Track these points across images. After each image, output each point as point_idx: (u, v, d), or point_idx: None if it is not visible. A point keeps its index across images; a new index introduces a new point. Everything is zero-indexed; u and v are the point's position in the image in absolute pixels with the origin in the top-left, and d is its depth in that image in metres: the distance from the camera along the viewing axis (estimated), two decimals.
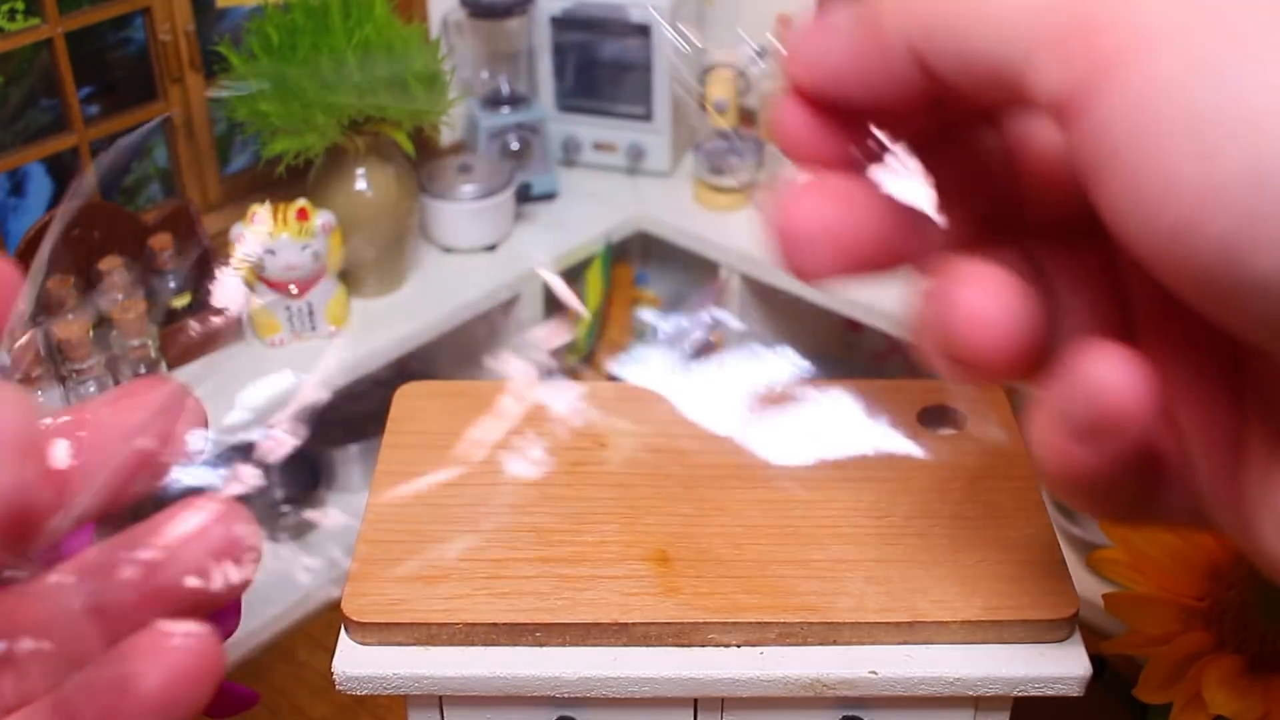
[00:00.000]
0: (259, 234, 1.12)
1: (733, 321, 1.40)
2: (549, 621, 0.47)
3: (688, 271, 1.51)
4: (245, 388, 1.12)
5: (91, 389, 1.07)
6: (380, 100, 1.15)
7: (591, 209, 1.42)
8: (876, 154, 0.33)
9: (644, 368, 0.44)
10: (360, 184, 1.21)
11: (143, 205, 1.25)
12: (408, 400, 0.58)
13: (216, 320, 1.17)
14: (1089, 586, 0.64)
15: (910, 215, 0.32)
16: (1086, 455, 0.27)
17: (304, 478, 1.29)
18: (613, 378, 1.43)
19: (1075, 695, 0.48)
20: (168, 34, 1.19)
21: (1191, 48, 0.23)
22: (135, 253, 1.16)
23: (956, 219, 0.32)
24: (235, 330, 1.20)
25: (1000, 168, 0.33)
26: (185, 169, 1.26)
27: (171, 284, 1.17)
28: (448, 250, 1.34)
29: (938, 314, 0.28)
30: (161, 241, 1.15)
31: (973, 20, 0.26)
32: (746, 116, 1.47)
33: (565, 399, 0.58)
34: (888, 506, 0.52)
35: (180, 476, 0.30)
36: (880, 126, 0.33)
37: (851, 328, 1.57)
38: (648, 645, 0.48)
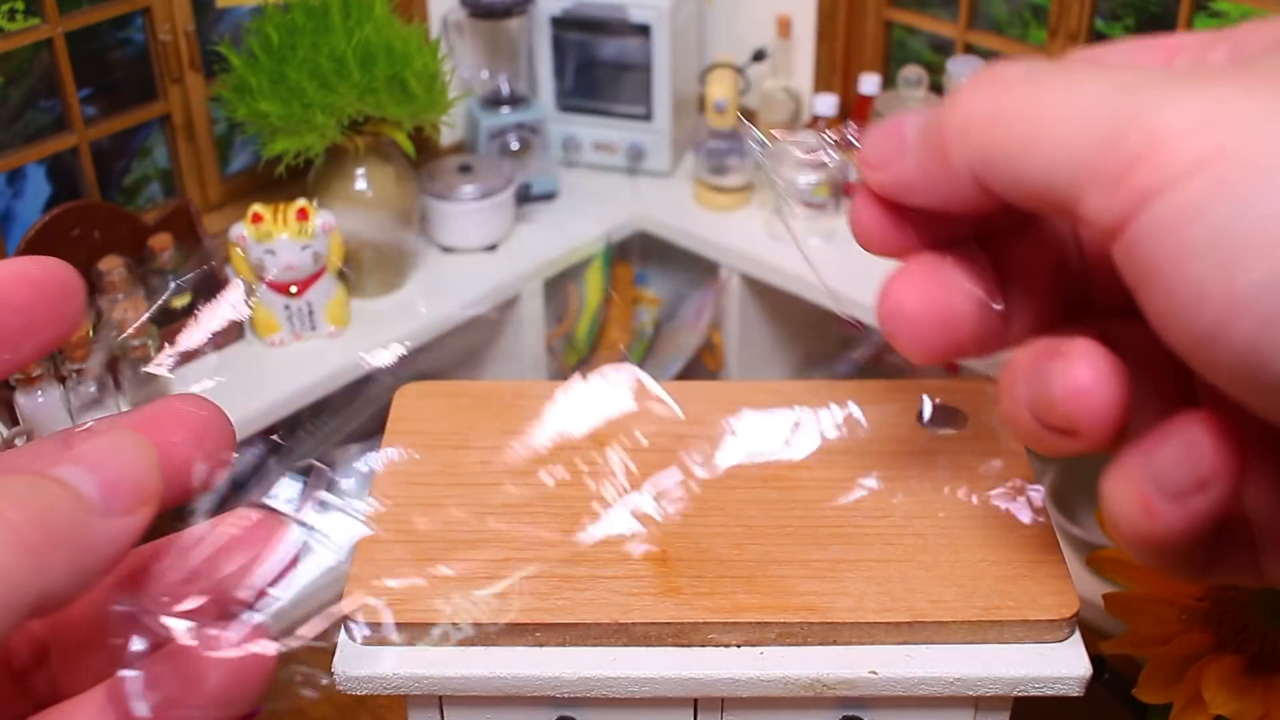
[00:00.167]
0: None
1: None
2: (549, 621, 0.47)
3: (688, 271, 1.51)
4: (247, 391, 1.12)
5: (92, 389, 1.07)
6: (380, 100, 1.15)
7: (591, 209, 1.42)
8: (951, 244, 0.36)
9: None
10: (360, 184, 1.21)
11: (143, 205, 1.25)
12: (408, 400, 0.58)
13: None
14: (1089, 586, 0.64)
15: (1005, 299, 0.35)
16: (1177, 515, 0.29)
17: (304, 478, 1.29)
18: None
19: (1075, 695, 0.48)
20: (168, 34, 1.19)
21: (1217, 177, 0.26)
22: (135, 253, 1.16)
23: (1037, 298, 0.34)
24: (235, 330, 1.20)
25: (1072, 251, 0.36)
26: (185, 169, 1.26)
27: (171, 284, 1.17)
28: (448, 250, 1.34)
29: (1041, 389, 0.31)
30: (161, 241, 1.15)
31: (1027, 155, 0.29)
32: (746, 116, 1.47)
33: (565, 398, 0.58)
34: (888, 506, 0.52)
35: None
36: (954, 221, 0.36)
37: (852, 328, 1.57)
38: (648, 645, 0.48)
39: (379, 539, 0.50)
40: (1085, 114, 0.28)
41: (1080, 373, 0.31)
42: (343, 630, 0.48)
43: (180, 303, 1.18)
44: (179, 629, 0.30)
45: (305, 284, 1.17)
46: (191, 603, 0.31)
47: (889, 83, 1.40)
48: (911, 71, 1.28)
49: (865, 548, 0.50)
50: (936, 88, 1.29)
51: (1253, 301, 0.25)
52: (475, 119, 1.41)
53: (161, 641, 0.30)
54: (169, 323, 1.16)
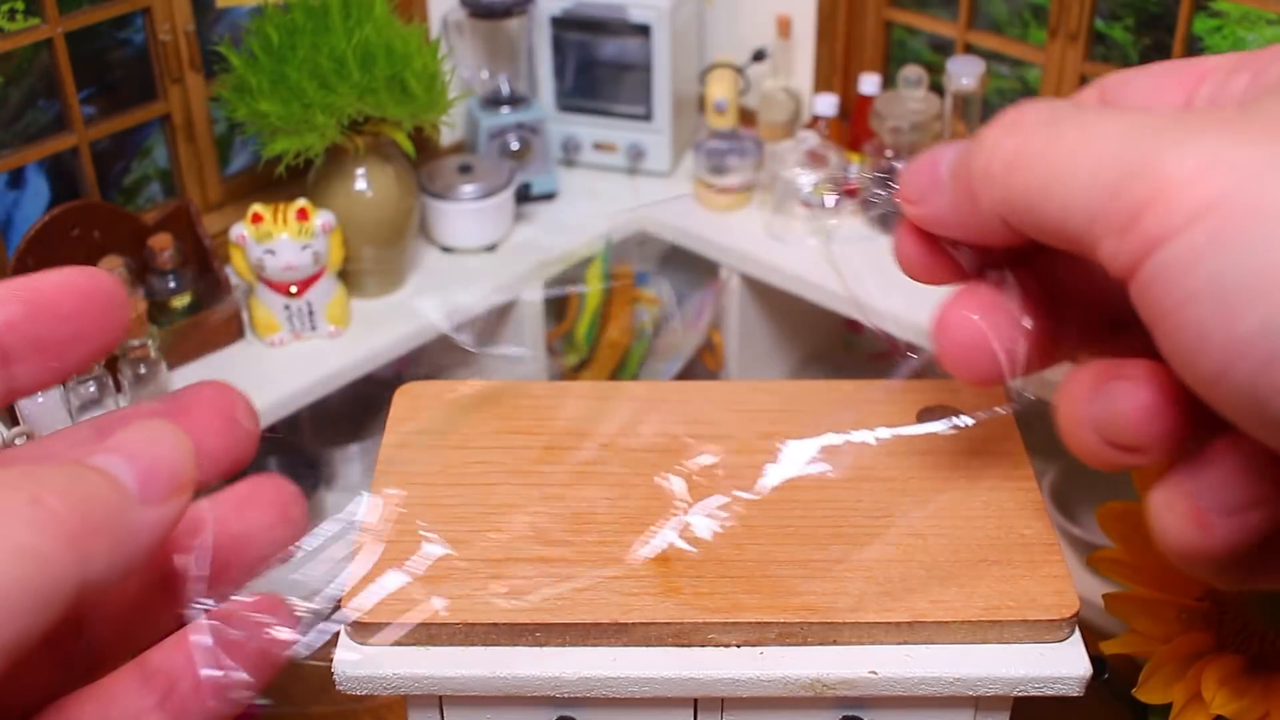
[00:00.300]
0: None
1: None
2: (549, 621, 0.47)
3: (688, 271, 1.51)
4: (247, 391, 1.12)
5: (91, 389, 1.07)
6: (380, 100, 1.15)
7: (591, 209, 1.42)
8: (996, 267, 0.38)
9: None
10: (360, 184, 1.21)
11: (143, 205, 1.25)
12: (408, 400, 0.58)
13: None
14: (1089, 586, 0.64)
15: (1052, 317, 0.37)
16: (1230, 529, 0.31)
17: (304, 478, 1.29)
18: (614, 375, 1.44)
19: (1075, 695, 0.48)
20: (168, 34, 1.19)
21: (1216, 224, 0.27)
22: (135, 253, 1.16)
23: (1085, 314, 0.35)
24: (235, 330, 1.20)
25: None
26: (185, 169, 1.26)
27: (171, 284, 1.17)
28: (448, 250, 1.34)
29: (1107, 409, 0.33)
30: (161, 241, 1.15)
31: (1045, 200, 0.31)
32: (746, 116, 1.47)
33: (565, 399, 0.58)
34: (888, 506, 0.52)
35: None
36: (992, 249, 0.38)
37: (851, 328, 1.57)
38: (648, 645, 0.48)
39: (379, 539, 0.50)
40: (1096, 161, 0.29)
41: (1146, 394, 0.32)
42: (342, 630, 0.48)
43: (180, 303, 1.18)
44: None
45: (305, 284, 1.17)
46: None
47: (889, 83, 1.40)
48: (911, 71, 1.28)
49: (865, 548, 0.50)
50: (936, 88, 1.29)
51: (1251, 345, 0.27)
52: (475, 119, 1.41)
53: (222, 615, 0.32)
54: (170, 322, 1.16)
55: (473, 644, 0.48)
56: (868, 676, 0.47)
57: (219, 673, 0.31)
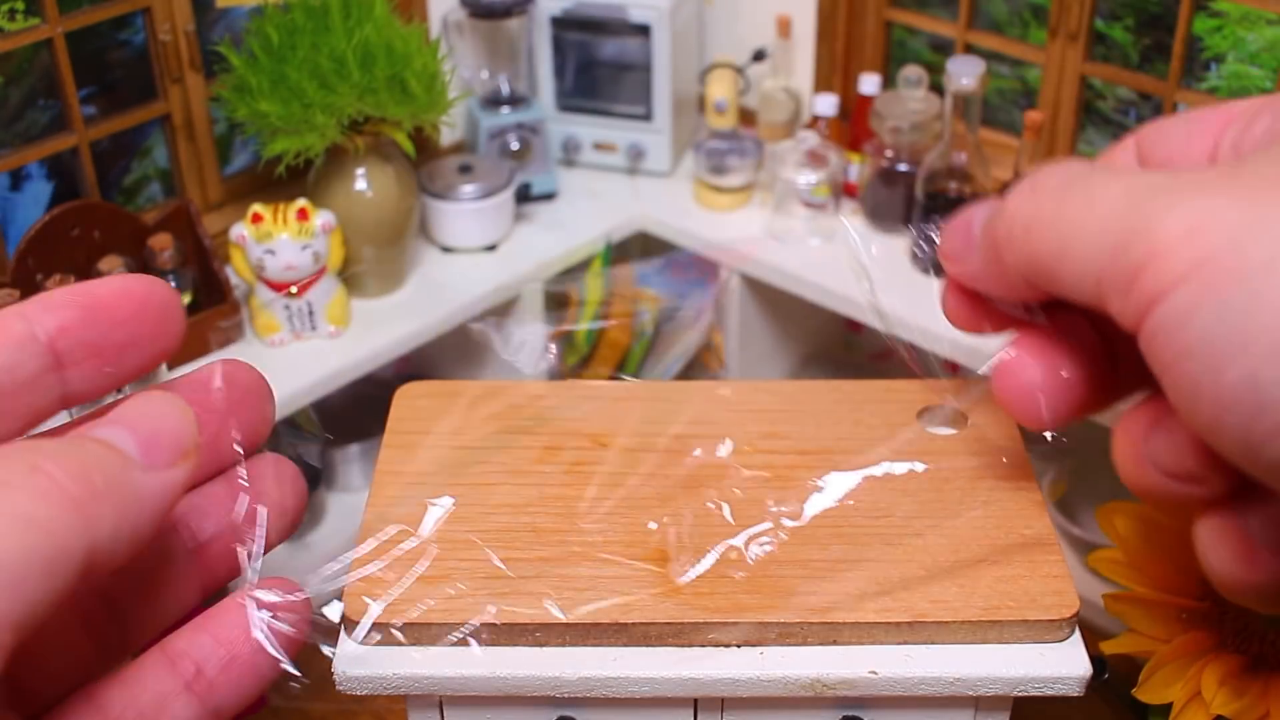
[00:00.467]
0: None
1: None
2: (549, 621, 0.47)
3: (688, 272, 1.51)
4: None
5: None
6: (380, 100, 1.15)
7: (591, 209, 1.42)
8: (1033, 319, 0.40)
9: None
10: (360, 184, 1.21)
11: (143, 205, 1.25)
12: (408, 400, 0.58)
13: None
14: (1089, 586, 0.64)
15: (1108, 359, 0.39)
16: (1277, 563, 0.32)
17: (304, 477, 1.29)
18: (614, 377, 1.44)
19: (1075, 695, 0.48)
20: (168, 34, 1.19)
21: (1201, 284, 0.29)
22: (135, 253, 1.16)
23: (1137, 358, 0.36)
24: (235, 330, 1.20)
25: None
26: (185, 169, 1.26)
27: (171, 284, 1.17)
28: (448, 250, 1.34)
29: (1171, 447, 0.34)
30: (161, 241, 1.15)
31: (1059, 263, 0.33)
32: (746, 116, 1.47)
33: (565, 399, 0.58)
34: (888, 506, 0.52)
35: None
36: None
37: (851, 328, 1.57)
38: (648, 645, 0.48)
39: (379, 538, 0.50)
40: (1101, 225, 0.31)
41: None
42: (342, 630, 0.48)
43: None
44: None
45: (305, 284, 1.17)
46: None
47: (889, 83, 1.40)
48: (911, 71, 1.28)
49: (865, 548, 0.50)
50: (936, 88, 1.29)
51: (1238, 399, 0.28)
52: (475, 119, 1.41)
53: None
54: None
55: (473, 644, 0.48)
56: (868, 676, 0.47)
57: (277, 657, 0.32)
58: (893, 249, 1.32)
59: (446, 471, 0.54)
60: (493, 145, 1.39)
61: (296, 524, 0.37)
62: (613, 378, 1.44)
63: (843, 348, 1.61)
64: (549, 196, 1.42)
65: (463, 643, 0.48)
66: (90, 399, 0.31)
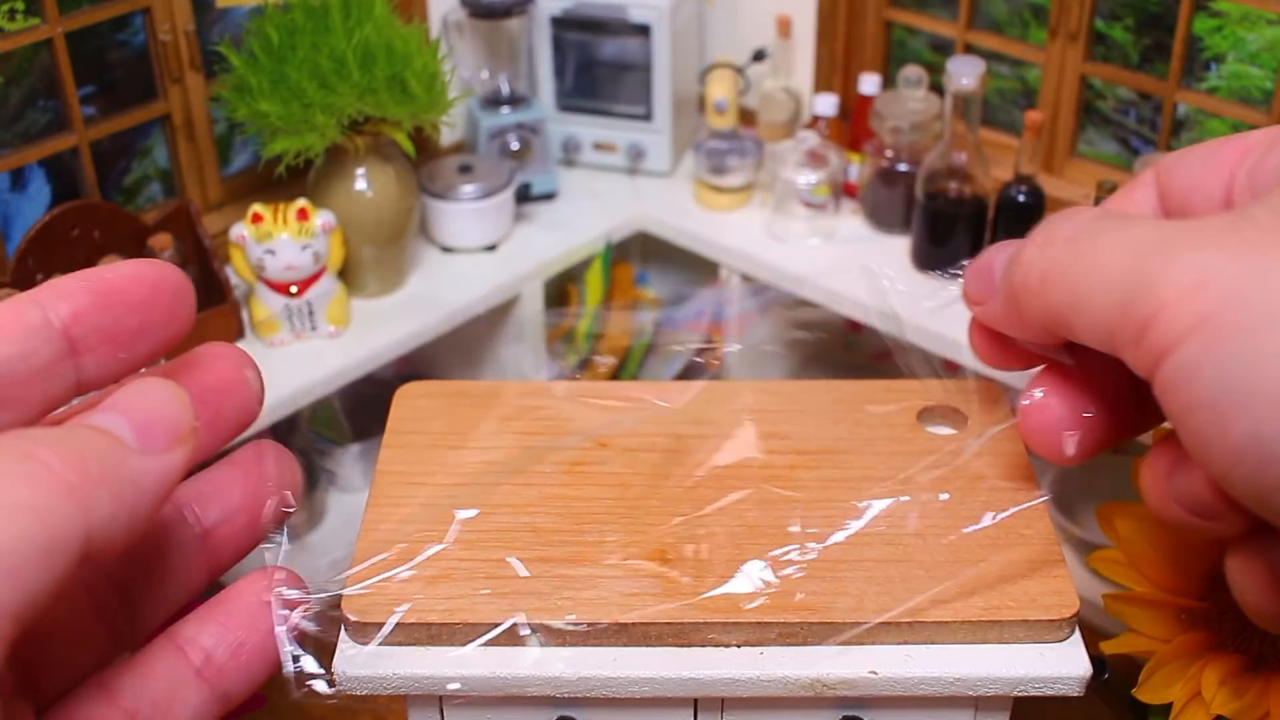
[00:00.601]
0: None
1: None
2: (549, 622, 0.47)
3: (688, 271, 1.51)
4: None
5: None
6: (380, 100, 1.15)
7: (591, 209, 1.42)
8: (1057, 357, 0.41)
9: None
10: (360, 184, 1.21)
11: (143, 205, 1.25)
12: (408, 400, 0.58)
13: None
14: (1089, 586, 0.64)
15: (1128, 395, 0.39)
16: None
17: (304, 478, 1.29)
18: (614, 376, 1.44)
19: (1075, 695, 0.48)
20: (168, 34, 1.19)
21: (1204, 340, 0.29)
22: (135, 253, 1.16)
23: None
24: (235, 330, 1.20)
25: None
26: (185, 169, 1.26)
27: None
28: (448, 250, 1.34)
29: (1186, 482, 0.34)
30: (161, 241, 1.15)
31: (1075, 315, 0.34)
32: (746, 116, 1.47)
33: (565, 399, 0.58)
34: (888, 507, 0.52)
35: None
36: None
37: (851, 328, 1.57)
38: (648, 645, 0.48)
39: (379, 539, 0.50)
40: (1110, 280, 0.32)
41: None
42: (342, 630, 0.48)
43: None
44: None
45: (305, 284, 1.17)
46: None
47: (889, 83, 1.40)
48: (911, 71, 1.28)
49: (865, 548, 0.50)
50: (936, 88, 1.29)
51: (1245, 452, 0.29)
52: (475, 119, 1.41)
53: None
54: None
55: (472, 644, 0.48)
56: (868, 676, 0.47)
57: (297, 652, 0.32)
58: (892, 249, 1.32)
59: (446, 471, 0.54)
60: (493, 145, 1.39)
61: (289, 512, 0.37)
62: (612, 378, 1.44)
63: (843, 348, 1.61)
64: (549, 196, 1.42)
65: (463, 642, 0.48)
66: (104, 385, 0.31)
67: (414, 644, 0.48)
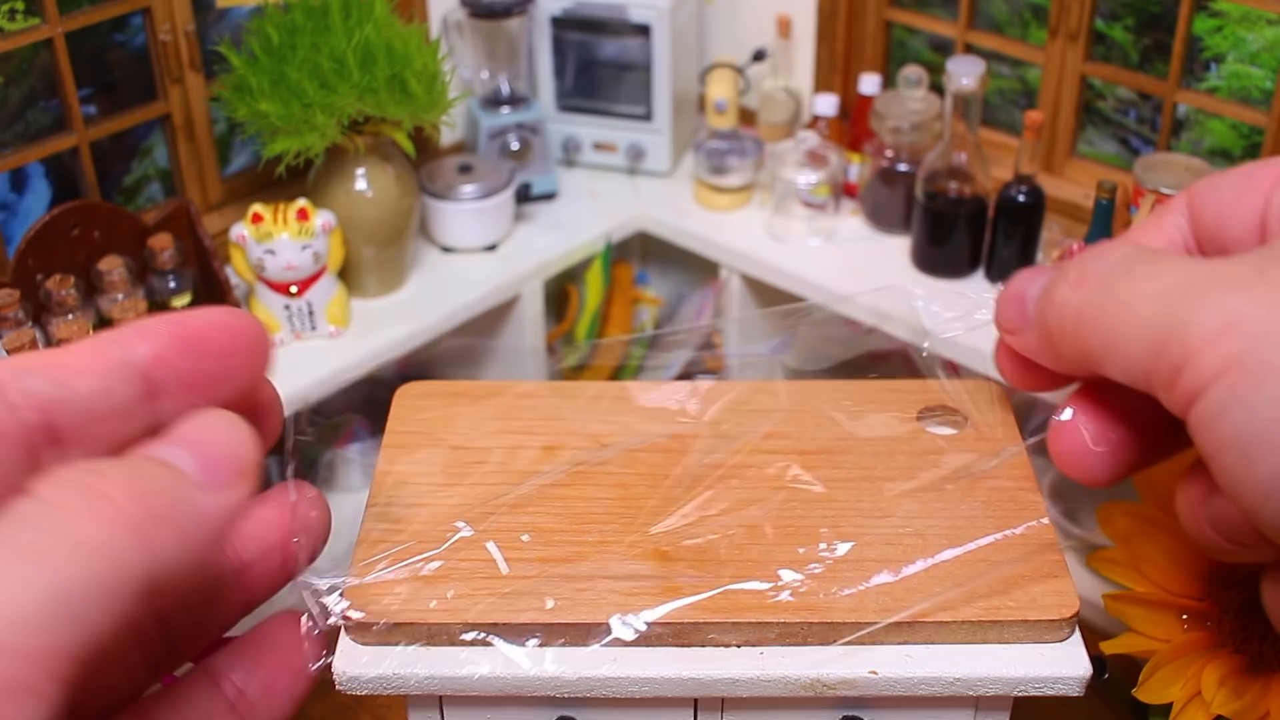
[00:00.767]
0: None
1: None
2: (549, 621, 0.47)
3: (688, 271, 1.51)
4: None
5: None
6: (380, 100, 1.15)
7: (591, 209, 1.42)
8: (1088, 381, 0.41)
9: None
10: (360, 184, 1.21)
11: (143, 205, 1.25)
12: (408, 400, 0.58)
13: None
14: (1089, 586, 0.64)
15: (1159, 418, 0.39)
16: None
17: (303, 478, 1.29)
18: (614, 375, 1.44)
19: (1075, 695, 0.48)
20: (168, 34, 1.19)
21: (1230, 384, 0.30)
22: (135, 253, 1.16)
23: None
24: None
25: None
26: (185, 169, 1.26)
27: (171, 284, 1.17)
28: (448, 250, 1.34)
29: (1220, 510, 0.35)
30: (161, 241, 1.15)
31: (1109, 358, 0.35)
32: (746, 116, 1.47)
33: (565, 399, 0.58)
34: (888, 506, 0.52)
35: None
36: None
37: (852, 328, 1.57)
38: (648, 645, 0.48)
39: (379, 539, 0.50)
40: (1142, 325, 0.33)
41: None
42: (343, 630, 0.48)
43: (180, 303, 1.18)
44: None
45: (305, 284, 1.17)
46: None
47: (889, 83, 1.40)
48: (911, 71, 1.28)
49: (865, 548, 0.50)
50: (936, 88, 1.29)
51: (1272, 491, 0.30)
52: (475, 119, 1.41)
53: None
54: None
55: (472, 644, 0.48)
56: (868, 676, 0.47)
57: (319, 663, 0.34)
58: (892, 249, 1.32)
59: (446, 472, 0.54)
60: (493, 145, 1.39)
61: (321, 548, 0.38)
62: (613, 377, 1.44)
63: (843, 348, 1.61)
64: (549, 196, 1.42)
65: (462, 643, 0.48)
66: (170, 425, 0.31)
67: (414, 644, 0.48)
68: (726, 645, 0.48)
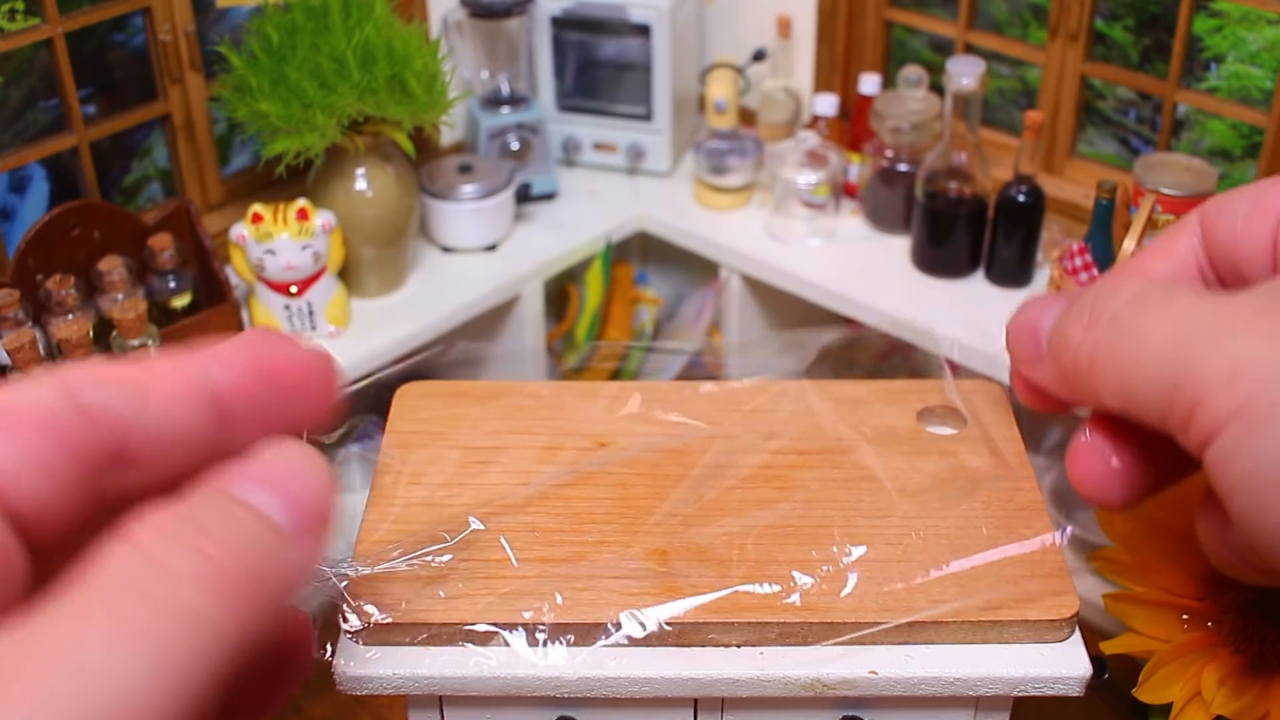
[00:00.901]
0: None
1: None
2: (549, 621, 0.47)
3: (688, 271, 1.51)
4: None
5: None
6: (380, 100, 1.15)
7: (591, 209, 1.42)
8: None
9: None
10: (360, 184, 1.21)
11: (143, 205, 1.25)
12: (408, 400, 0.58)
13: None
14: (1089, 586, 0.64)
15: (1168, 444, 0.39)
16: None
17: None
18: (614, 376, 1.44)
19: (1075, 695, 0.48)
20: (168, 34, 1.19)
21: (1239, 429, 0.31)
22: (135, 253, 1.16)
23: None
24: (235, 330, 1.20)
25: None
26: (185, 169, 1.26)
27: (171, 284, 1.17)
28: (448, 250, 1.34)
29: (1240, 536, 0.34)
30: (161, 241, 1.15)
31: (1123, 401, 0.35)
32: (746, 116, 1.47)
33: (565, 399, 0.58)
34: (888, 506, 0.52)
35: None
36: None
37: (851, 328, 1.57)
38: (648, 645, 0.48)
39: (379, 539, 0.50)
40: (1154, 369, 0.34)
41: None
42: (343, 630, 0.48)
43: (180, 303, 1.18)
44: None
45: (305, 284, 1.17)
46: None
47: (889, 83, 1.40)
48: (911, 71, 1.28)
49: (865, 548, 0.50)
50: (936, 88, 1.29)
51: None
52: (475, 119, 1.41)
53: None
54: (170, 322, 1.16)
55: (472, 644, 0.48)
56: (868, 676, 0.47)
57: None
58: (892, 249, 1.32)
59: (446, 472, 0.54)
60: (493, 145, 1.39)
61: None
62: (613, 376, 1.44)
63: (843, 348, 1.61)
64: (549, 196, 1.42)
65: (462, 642, 0.48)
66: (235, 457, 0.29)
67: (414, 644, 0.48)
68: (726, 645, 0.48)
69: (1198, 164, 1.12)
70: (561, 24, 1.42)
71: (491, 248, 1.34)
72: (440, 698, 0.50)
